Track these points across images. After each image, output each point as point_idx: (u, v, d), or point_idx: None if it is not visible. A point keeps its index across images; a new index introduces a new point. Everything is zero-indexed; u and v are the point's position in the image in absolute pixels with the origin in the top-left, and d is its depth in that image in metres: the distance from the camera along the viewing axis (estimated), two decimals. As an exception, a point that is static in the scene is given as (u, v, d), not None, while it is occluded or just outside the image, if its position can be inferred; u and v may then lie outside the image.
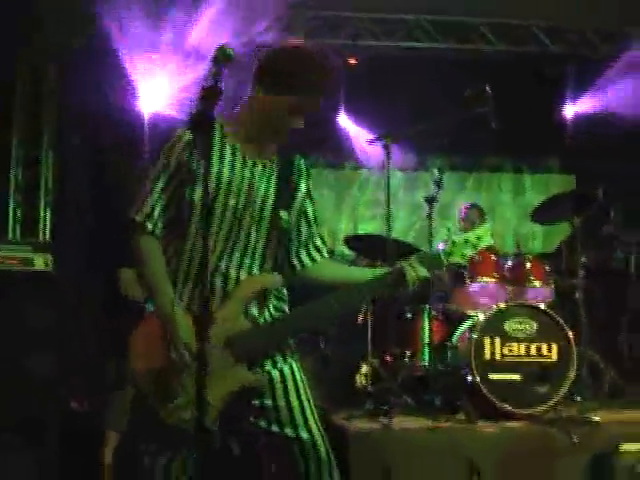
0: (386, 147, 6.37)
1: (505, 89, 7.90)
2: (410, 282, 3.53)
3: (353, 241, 7.26)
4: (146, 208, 3.54)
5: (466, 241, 3.56)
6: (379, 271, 3.65)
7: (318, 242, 3.77)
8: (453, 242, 3.58)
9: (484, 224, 3.64)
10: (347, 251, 7.44)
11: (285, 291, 3.73)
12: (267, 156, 3.64)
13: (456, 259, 3.57)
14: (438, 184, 6.21)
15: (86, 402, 6.40)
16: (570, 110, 8.54)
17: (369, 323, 6.27)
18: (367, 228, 8.81)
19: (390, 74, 8.32)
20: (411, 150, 8.68)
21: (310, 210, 3.77)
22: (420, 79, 8.31)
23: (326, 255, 3.78)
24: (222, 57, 3.06)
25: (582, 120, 8.52)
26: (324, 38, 8.23)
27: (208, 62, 3.11)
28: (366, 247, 6.98)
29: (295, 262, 3.73)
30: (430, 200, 6.19)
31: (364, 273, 3.70)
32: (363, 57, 8.40)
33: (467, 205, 7.62)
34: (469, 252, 3.57)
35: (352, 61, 8.41)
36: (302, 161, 3.75)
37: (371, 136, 6.95)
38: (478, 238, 3.58)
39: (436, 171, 6.38)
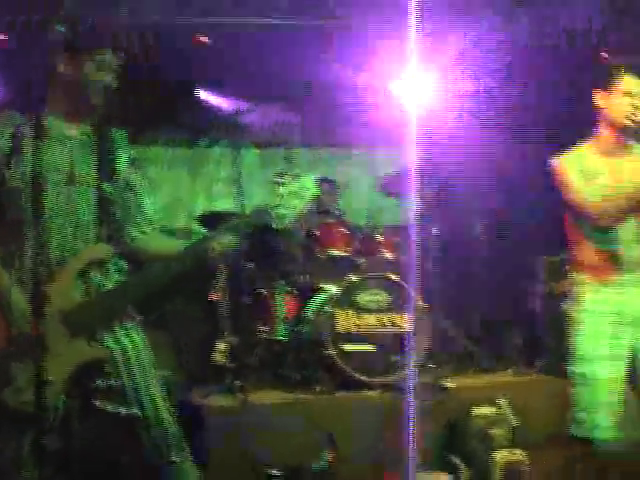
0: (240, 123, 6.38)
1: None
2: (216, 251, 3.55)
3: (207, 219, 7.24)
4: None
5: (291, 193, 3.60)
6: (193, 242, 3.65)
7: (148, 213, 3.74)
8: (280, 195, 3.61)
9: (309, 175, 3.66)
10: (203, 229, 7.38)
11: (124, 264, 3.70)
12: (83, 130, 3.60)
13: (284, 211, 3.59)
14: (288, 160, 6.25)
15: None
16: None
17: (224, 299, 6.27)
18: (223, 205, 8.75)
19: (247, 49, 8.25)
20: (267, 126, 8.68)
21: (136, 181, 3.71)
22: (277, 53, 8.27)
23: (156, 226, 3.75)
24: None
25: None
26: (174, 16, 8.10)
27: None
28: (220, 224, 6.95)
29: (124, 234, 3.70)
30: (281, 176, 6.21)
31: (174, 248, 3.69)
32: (219, 32, 8.30)
33: (317, 179, 7.60)
34: (298, 203, 3.60)
35: (203, 39, 8.33)
36: (120, 132, 3.71)
37: (227, 112, 6.95)
38: (304, 188, 3.61)
39: (287, 147, 6.43)
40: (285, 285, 6.57)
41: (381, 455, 5.54)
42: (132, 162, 3.70)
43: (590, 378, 4.21)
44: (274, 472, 5.04)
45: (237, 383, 5.78)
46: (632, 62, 4.28)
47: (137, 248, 3.71)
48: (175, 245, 3.71)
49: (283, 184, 3.63)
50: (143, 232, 3.71)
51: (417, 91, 8.40)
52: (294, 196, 3.60)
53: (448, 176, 7.09)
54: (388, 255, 6.79)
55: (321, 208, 7.40)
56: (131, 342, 3.59)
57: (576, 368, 4.29)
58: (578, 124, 4.45)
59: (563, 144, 4.38)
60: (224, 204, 8.79)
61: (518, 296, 7.44)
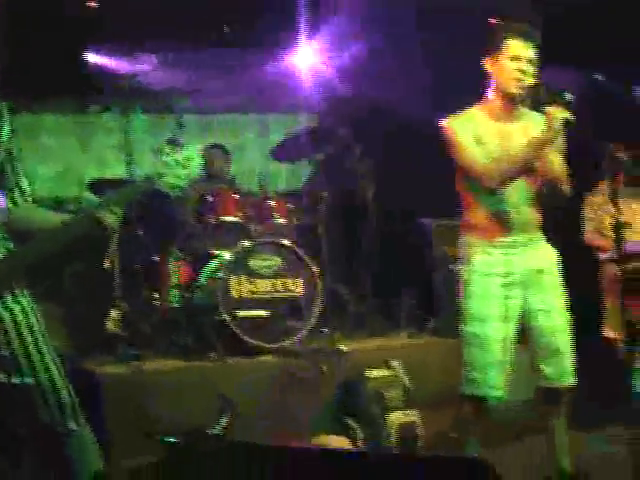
0: (129, 89, 6.29)
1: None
2: (107, 223, 3.52)
3: (97, 186, 7.13)
4: None
5: (176, 162, 3.60)
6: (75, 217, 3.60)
7: (24, 185, 3.67)
8: (165, 164, 3.60)
9: (193, 145, 3.69)
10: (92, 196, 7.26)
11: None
12: None
13: (170, 180, 3.59)
14: (179, 126, 6.21)
15: None
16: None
17: (116, 267, 6.21)
18: (115, 173, 8.64)
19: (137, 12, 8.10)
20: (156, 92, 8.57)
21: (16, 152, 3.63)
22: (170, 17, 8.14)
23: (29, 199, 3.68)
24: None
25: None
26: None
27: None
28: (109, 191, 6.85)
29: (3, 205, 3.63)
30: (172, 142, 6.17)
31: (61, 219, 3.63)
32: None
33: (209, 146, 7.59)
34: (184, 173, 3.60)
35: (92, 4, 8.16)
36: (2, 103, 3.63)
37: (116, 77, 6.85)
38: (188, 159, 3.62)
39: (178, 113, 6.37)
40: (178, 252, 6.54)
41: (278, 419, 5.57)
42: (13, 132, 3.62)
43: (481, 338, 4.28)
44: (170, 439, 5.02)
45: (131, 351, 5.76)
46: (519, 27, 4.31)
47: (13, 220, 3.63)
48: (52, 218, 3.65)
49: (168, 154, 3.61)
50: (15, 204, 3.63)
51: (310, 56, 8.45)
52: (179, 166, 3.60)
53: (340, 140, 7.09)
54: (280, 220, 6.79)
55: (213, 174, 7.38)
56: (21, 311, 3.53)
57: (467, 328, 4.36)
58: (471, 87, 4.49)
59: (457, 107, 4.42)
60: (115, 171, 8.68)
61: (412, 259, 7.52)
